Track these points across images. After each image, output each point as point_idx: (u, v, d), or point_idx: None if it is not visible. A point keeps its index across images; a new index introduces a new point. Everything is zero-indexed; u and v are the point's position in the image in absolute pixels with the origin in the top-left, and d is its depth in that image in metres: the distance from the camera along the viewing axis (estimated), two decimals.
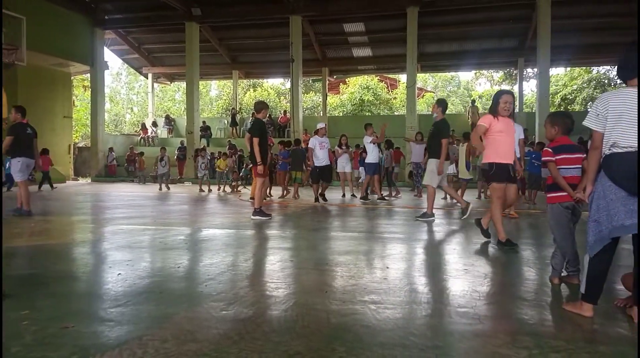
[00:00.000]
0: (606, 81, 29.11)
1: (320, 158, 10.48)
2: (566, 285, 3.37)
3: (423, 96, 34.99)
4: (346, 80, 32.67)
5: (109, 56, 25.14)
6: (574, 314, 2.69)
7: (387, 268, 3.86)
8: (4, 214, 6.00)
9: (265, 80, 37.36)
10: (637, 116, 2.47)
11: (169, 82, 30.00)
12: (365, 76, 31.83)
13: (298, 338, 2.30)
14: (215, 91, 42.89)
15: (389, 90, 34.31)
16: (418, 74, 23.09)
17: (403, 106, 25.37)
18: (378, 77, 32.94)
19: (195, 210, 9.02)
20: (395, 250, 4.74)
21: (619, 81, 26.11)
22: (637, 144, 2.47)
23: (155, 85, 29.77)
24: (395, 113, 31.51)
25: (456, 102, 37.31)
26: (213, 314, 2.65)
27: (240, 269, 3.85)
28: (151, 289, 3.16)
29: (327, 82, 26.84)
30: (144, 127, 25.42)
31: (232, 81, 27.65)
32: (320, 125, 11.05)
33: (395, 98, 34.13)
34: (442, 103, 7.21)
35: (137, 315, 2.64)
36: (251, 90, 36.36)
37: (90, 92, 22.67)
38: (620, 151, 2.52)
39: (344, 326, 2.48)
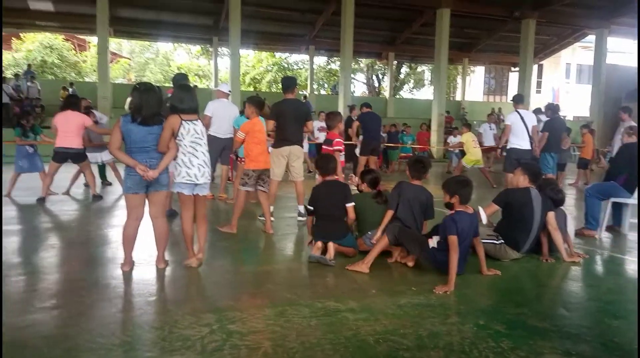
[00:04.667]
0: (286, 66, 33.53)
1: None
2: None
3: (117, 61, 32.55)
4: (21, 35, 27.17)
5: None
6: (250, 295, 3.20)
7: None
8: None
9: None
10: None
11: None
12: (49, 34, 27.19)
13: None
14: None
15: (76, 51, 30.38)
16: (111, 38, 21.33)
17: (94, 70, 23.01)
18: (64, 36, 28.66)
19: None
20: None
21: (303, 66, 30.20)
22: None
23: None
24: (86, 79, 28.37)
25: (155, 70, 36.03)
26: None
27: None
28: None
29: None
30: None
31: None
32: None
33: (85, 61, 30.60)
34: None
35: None
36: None
37: None
38: None
39: (20, 342, 2.25)
